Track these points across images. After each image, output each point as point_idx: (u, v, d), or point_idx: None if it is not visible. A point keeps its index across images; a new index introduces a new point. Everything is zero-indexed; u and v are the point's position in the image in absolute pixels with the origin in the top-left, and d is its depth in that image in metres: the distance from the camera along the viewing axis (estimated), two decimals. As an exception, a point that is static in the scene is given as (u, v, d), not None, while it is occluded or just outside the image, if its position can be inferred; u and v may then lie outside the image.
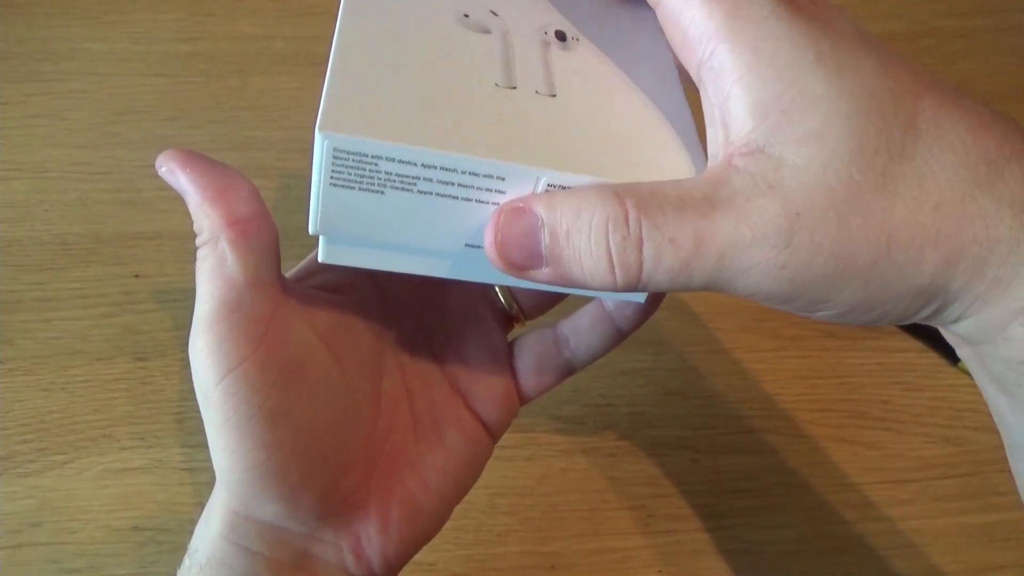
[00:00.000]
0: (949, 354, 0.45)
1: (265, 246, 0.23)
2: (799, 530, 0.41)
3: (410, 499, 0.26)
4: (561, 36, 0.24)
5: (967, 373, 0.45)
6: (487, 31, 0.23)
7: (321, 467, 0.24)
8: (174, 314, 0.44)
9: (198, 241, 0.22)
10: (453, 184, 0.20)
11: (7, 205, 0.47)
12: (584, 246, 0.19)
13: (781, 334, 0.46)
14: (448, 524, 0.40)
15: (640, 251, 0.19)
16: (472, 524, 0.40)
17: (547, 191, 0.20)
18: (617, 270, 0.19)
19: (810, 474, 0.42)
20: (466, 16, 0.23)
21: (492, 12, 0.24)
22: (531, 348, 0.28)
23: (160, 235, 0.46)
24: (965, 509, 0.42)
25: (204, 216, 0.22)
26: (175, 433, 0.41)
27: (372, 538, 0.25)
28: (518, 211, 0.20)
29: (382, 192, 0.20)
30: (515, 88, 0.22)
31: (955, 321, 0.20)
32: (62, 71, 0.51)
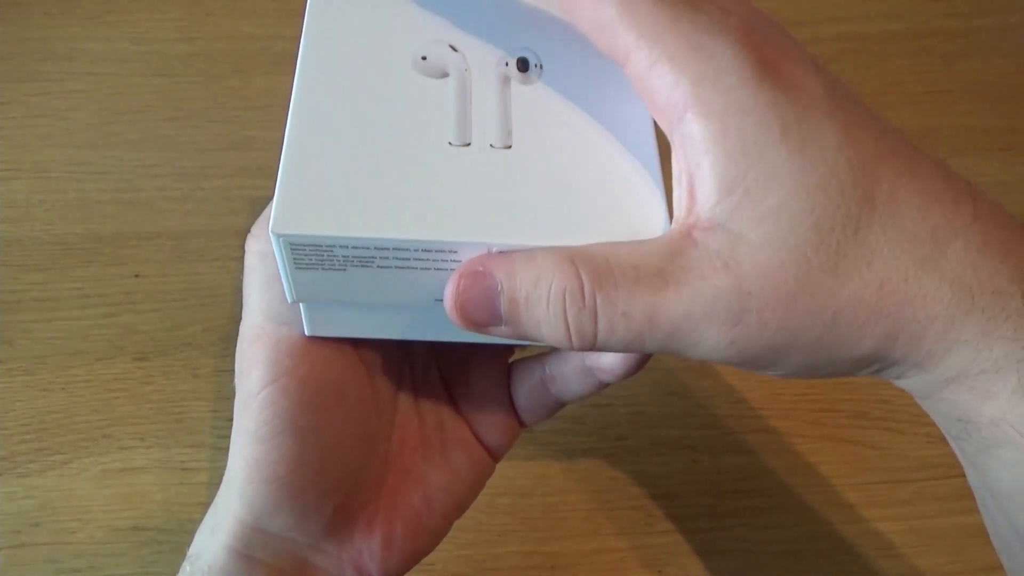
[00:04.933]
0: (949, 354, 0.45)
1: None
2: (799, 530, 0.41)
3: (414, 516, 0.26)
4: (523, 65, 0.23)
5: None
6: (445, 74, 0.23)
7: (339, 486, 0.24)
8: (174, 314, 0.44)
9: (249, 246, 0.23)
10: (408, 260, 0.20)
11: (7, 205, 0.47)
12: (542, 314, 0.20)
13: (781, 334, 0.46)
14: (448, 524, 0.40)
15: (595, 322, 0.19)
16: (472, 524, 0.40)
17: (503, 252, 0.20)
18: (573, 336, 0.20)
19: (811, 474, 0.42)
20: (423, 59, 0.23)
21: (452, 47, 0.23)
22: (524, 381, 0.28)
23: (160, 235, 0.46)
24: (965, 509, 0.42)
25: (262, 229, 0.23)
26: (175, 433, 0.41)
27: (375, 553, 0.25)
28: (477, 275, 0.20)
29: (344, 270, 0.21)
30: (469, 144, 0.21)
31: (897, 378, 0.21)
32: (62, 71, 0.51)
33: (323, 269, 0.21)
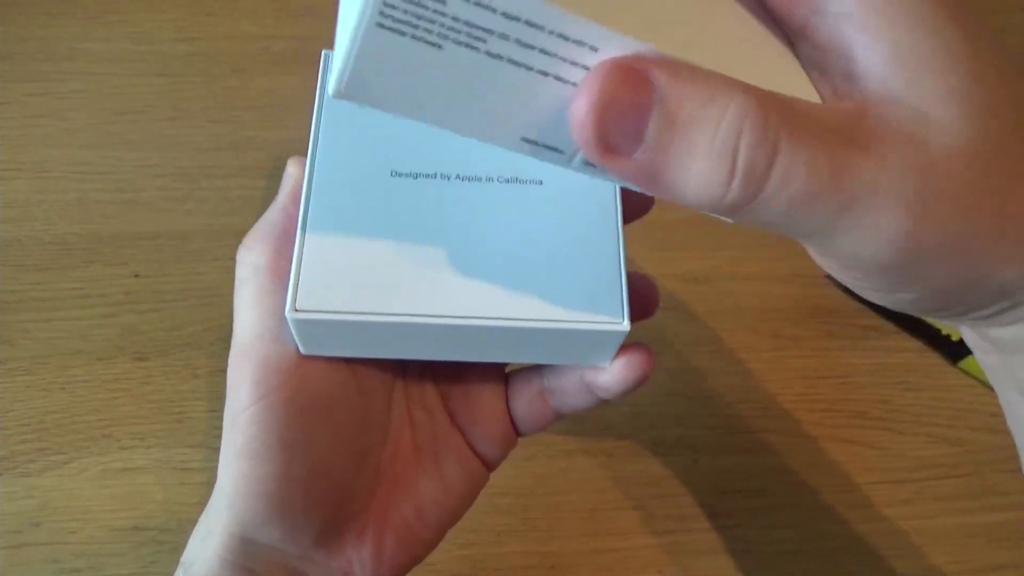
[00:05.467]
0: (949, 354, 0.45)
1: None
2: (799, 530, 0.41)
3: (405, 527, 0.26)
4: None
5: (967, 373, 0.45)
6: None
7: (328, 499, 0.24)
8: (174, 314, 0.44)
9: (241, 257, 0.24)
10: (534, 49, 0.16)
11: (7, 205, 0.47)
12: (706, 142, 0.15)
13: (781, 334, 0.46)
14: (448, 524, 0.40)
15: (772, 164, 0.15)
16: (472, 524, 0.40)
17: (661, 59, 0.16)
18: (739, 177, 0.16)
19: (810, 474, 0.42)
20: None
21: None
22: (523, 392, 0.28)
23: (160, 235, 0.46)
24: (965, 509, 0.42)
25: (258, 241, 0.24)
26: (175, 433, 0.41)
27: (365, 563, 0.25)
28: (632, 72, 0.15)
29: (439, 46, 0.16)
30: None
31: (1009, 324, 0.19)
32: (62, 71, 0.51)
33: (413, 37, 0.16)
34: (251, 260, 0.24)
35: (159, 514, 0.39)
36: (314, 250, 0.23)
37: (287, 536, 0.24)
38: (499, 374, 0.28)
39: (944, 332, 0.45)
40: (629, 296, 0.23)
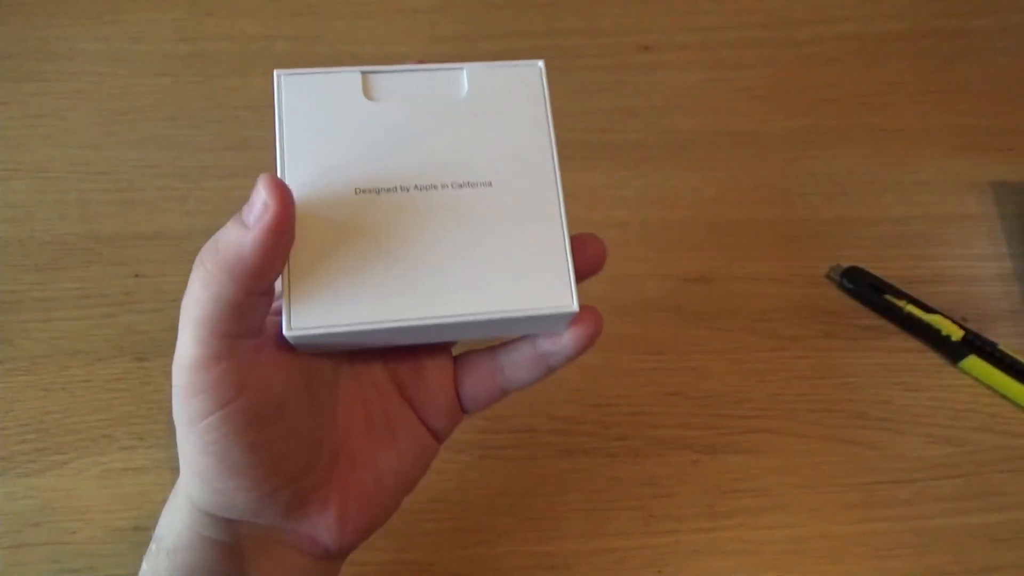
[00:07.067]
0: (949, 354, 0.45)
1: (253, 305, 0.24)
2: (799, 530, 0.41)
3: (366, 494, 0.28)
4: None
5: (967, 373, 0.45)
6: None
7: (288, 482, 0.26)
8: (174, 314, 0.44)
9: (202, 265, 0.24)
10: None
11: (7, 205, 0.47)
12: None
13: (781, 334, 0.46)
14: (448, 524, 0.40)
15: None
16: (472, 524, 0.40)
17: None
18: None
19: (810, 474, 0.42)
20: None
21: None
22: (470, 372, 0.30)
23: (160, 235, 0.46)
24: (965, 509, 0.42)
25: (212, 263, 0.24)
26: (175, 433, 0.41)
27: (331, 528, 0.27)
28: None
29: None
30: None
31: None
32: (62, 71, 0.51)
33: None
34: (207, 272, 0.24)
35: (159, 514, 0.39)
36: (299, 272, 0.25)
37: (254, 514, 0.26)
38: (446, 352, 0.30)
39: (944, 332, 0.45)
40: (575, 277, 0.26)
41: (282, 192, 0.24)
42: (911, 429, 0.44)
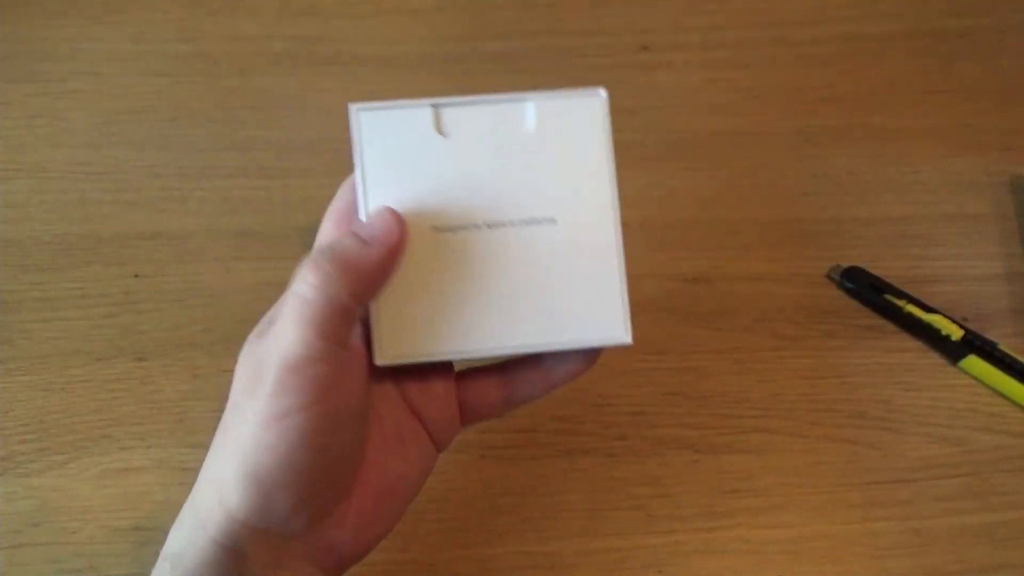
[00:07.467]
0: (949, 354, 0.45)
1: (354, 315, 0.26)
2: (799, 530, 0.41)
3: (380, 501, 0.29)
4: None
5: (967, 373, 0.45)
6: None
7: (331, 489, 0.27)
8: (174, 314, 0.44)
9: (310, 277, 0.25)
10: None
11: (7, 205, 0.47)
12: None
13: (781, 334, 0.46)
14: (448, 524, 0.40)
15: None
16: (472, 524, 0.40)
17: None
18: None
19: (810, 474, 0.42)
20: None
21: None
22: (471, 387, 0.31)
23: (160, 235, 0.46)
24: (965, 509, 0.42)
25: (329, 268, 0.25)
26: (175, 433, 0.41)
27: (346, 539, 0.28)
28: None
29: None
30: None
31: None
32: (62, 71, 0.51)
33: None
34: (318, 282, 0.25)
35: (159, 514, 0.39)
36: (384, 307, 0.28)
37: (286, 521, 0.26)
38: (448, 369, 0.32)
39: (944, 332, 0.45)
40: (628, 310, 0.29)
41: (402, 223, 0.27)
42: (911, 429, 0.44)
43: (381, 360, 0.28)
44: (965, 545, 0.41)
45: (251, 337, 0.27)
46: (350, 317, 0.26)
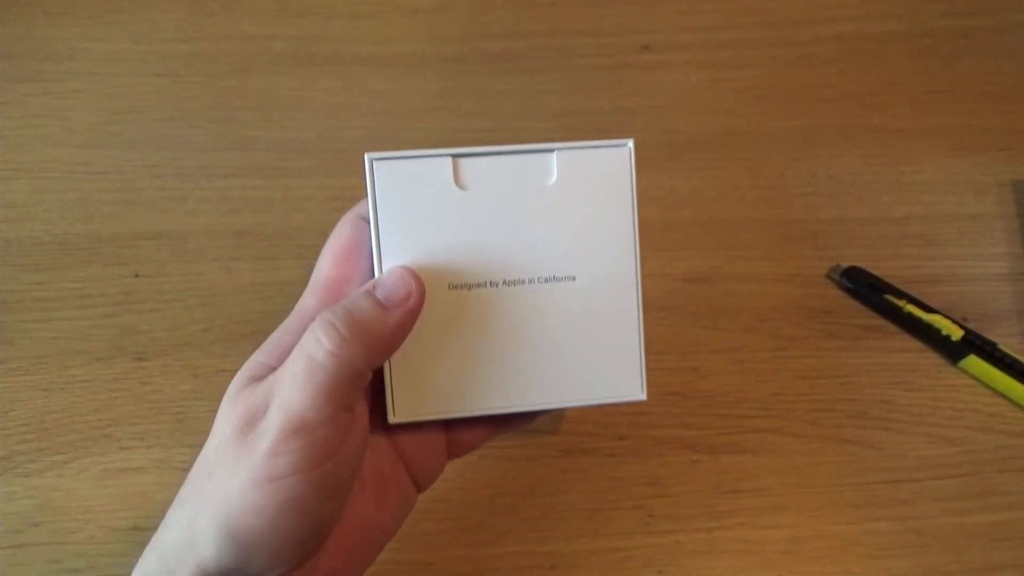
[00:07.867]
0: (949, 354, 0.45)
1: (366, 381, 0.25)
2: (799, 530, 0.41)
3: (352, 553, 0.28)
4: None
5: (967, 373, 0.45)
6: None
7: (312, 544, 0.26)
8: (174, 314, 0.44)
9: (326, 341, 0.24)
10: None
11: (7, 205, 0.47)
12: None
13: (781, 334, 0.46)
14: (448, 524, 0.40)
15: None
16: (472, 524, 0.40)
17: None
18: None
19: (810, 474, 0.42)
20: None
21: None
22: (463, 430, 0.30)
23: (160, 235, 0.46)
24: (965, 509, 0.42)
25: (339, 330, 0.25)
26: (175, 433, 0.41)
27: None
28: None
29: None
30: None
31: None
32: (62, 71, 0.51)
33: None
34: (334, 349, 0.24)
35: (159, 514, 0.39)
36: (399, 365, 0.27)
37: (262, 572, 0.25)
38: None
39: (944, 332, 0.45)
40: (645, 367, 0.28)
41: (421, 285, 0.26)
42: (911, 429, 0.44)
43: (395, 419, 0.27)
44: (965, 545, 0.41)
45: (240, 377, 0.26)
46: (362, 383, 0.25)
